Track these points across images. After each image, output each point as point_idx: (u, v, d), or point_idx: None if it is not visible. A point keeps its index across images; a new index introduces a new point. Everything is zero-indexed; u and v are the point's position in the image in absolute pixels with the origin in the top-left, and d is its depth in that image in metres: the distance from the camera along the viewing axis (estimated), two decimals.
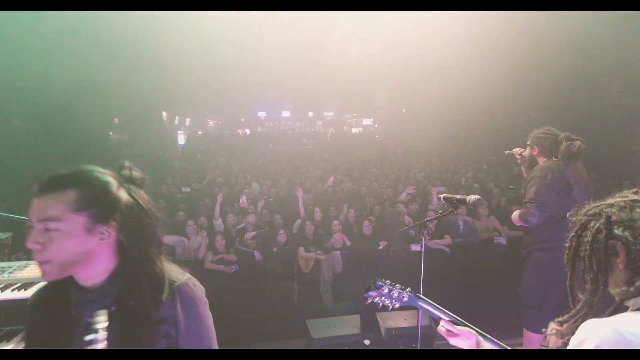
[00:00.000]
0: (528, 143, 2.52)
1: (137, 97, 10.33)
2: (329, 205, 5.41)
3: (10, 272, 1.69)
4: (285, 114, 17.14)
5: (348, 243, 4.53)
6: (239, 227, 4.58)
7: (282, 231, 4.52)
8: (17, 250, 2.69)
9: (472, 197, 2.05)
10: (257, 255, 4.37)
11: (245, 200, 4.94)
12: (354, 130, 17.14)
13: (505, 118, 8.98)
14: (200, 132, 14.96)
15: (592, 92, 6.27)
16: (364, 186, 6.55)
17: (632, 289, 0.80)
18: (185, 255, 4.34)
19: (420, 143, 10.85)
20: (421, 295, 1.16)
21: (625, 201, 0.84)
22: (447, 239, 4.73)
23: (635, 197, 0.85)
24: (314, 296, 4.50)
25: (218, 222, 4.82)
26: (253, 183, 7.06)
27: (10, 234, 2.06)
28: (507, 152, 2.81)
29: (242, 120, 16.72)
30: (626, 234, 0.80)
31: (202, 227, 4.53)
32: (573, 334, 0.82)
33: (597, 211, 0.87)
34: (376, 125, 17.23)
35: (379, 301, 1.17)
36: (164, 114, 13.52)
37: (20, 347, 1.43)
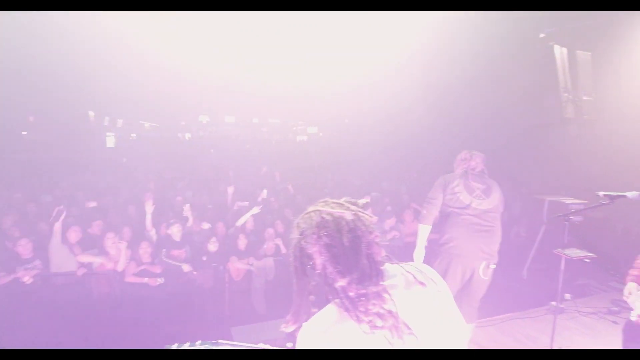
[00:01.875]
0: (454, 166, 2.96)
1: (58, 93, 9.33)
2: (266, 214, 5.40)
3: None
4: (229, 119, 16.69)
5: (284, 250, 4.56)
6: (163, 235, 4.33)
7: (214, 239, 4.40)
8: None
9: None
10: (186, 267, 4.17)
11: (188, 208, 4.69)
12: (299, 138, 17.29)
13: (435, 129, 9.74)
14: (134, 135, 13.94)
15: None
16: (303, 193, 6.66)
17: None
18: (102, 268, 4.01)
19: (359, 152, 11.32)
20: (220, 341, 1.34)
21: (308, 213, 1.00)
22: None
23: (317, 207, 1.00)
24: (245, 304, 4.45)
25: (151, 233, 4.50)
26: (187, 191, 6.78)
27: None
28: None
29: (183, 123, 15.91)
30: (304, 241, 0.95)
31: (123, 238, 4.22)
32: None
33: (295, 226, 1.01)
34: (321, 134, 17.58)
35: None
36: (90, 113, 12.36)
37: None
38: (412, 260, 2.65)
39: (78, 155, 9.02)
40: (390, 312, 0.88)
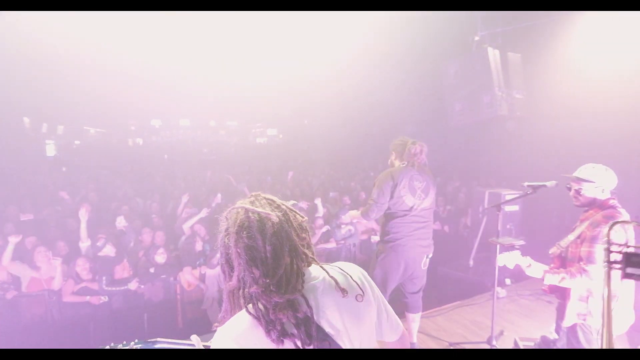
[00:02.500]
0: (389, 149, 2.95)
1: None
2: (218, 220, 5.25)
3: None
4: (184, 122, 16.08)
5: None
6: (99, 254, 4.02)
7: (161, 250, 4.20)
8: None
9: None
10: (133, 285, 3.92)
11: (122, 220, 4.41)
12: (259, 140, 17.10)
13: (389, 130, 10.06)
14: (78, 142, 12.96)
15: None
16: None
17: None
18: (33, 289, 3.67)
19: (318, 152, 11.41)
20: (157, 339, 1.34)
21: (235, 207, 0.96)
22: (332, 242, 5.07)
23: (244, 203, 0.97)
24: (199, 315, 4.30)
25: (86, 245, 4.18)
26: (137, 198, 6.43)
27: None
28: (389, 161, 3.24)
29: (133, 128, 15.08)
30: (226, 239, 0.93)
31: (59, 254, 3.90)
32: None
33: (222, 218, 0.97)
34: (281, 136, 17.50)
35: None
36: (25, 119, 11.31)
37: None
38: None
39: (13, 165, 8.22)
40: (303, 319, 0.85)
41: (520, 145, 6.27)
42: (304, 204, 5.82)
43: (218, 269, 4.29)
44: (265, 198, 0.97)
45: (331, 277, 0.95)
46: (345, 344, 0.90)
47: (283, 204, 0.97)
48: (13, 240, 3.62)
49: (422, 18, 5.63)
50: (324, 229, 5.14)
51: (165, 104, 14.50)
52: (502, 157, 6.70)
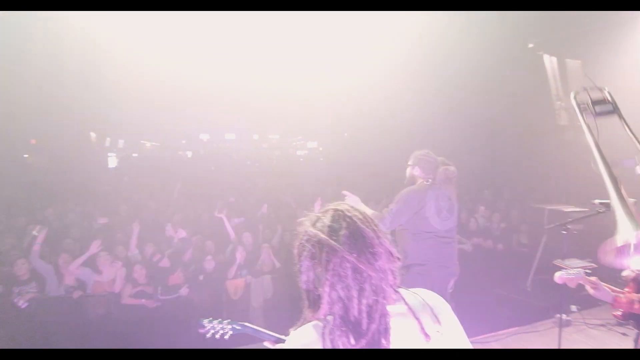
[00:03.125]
0: (409, 163, 2.78)
1: (59, 115, 9.48)
2: (264, 229, 5.37)
3: None
4: (230, 136, 16.85)
5: (277, 265, 4.51)
6: (155, 261, 4.29)
7: (209, 257, 4.36)
8: None
9: None
10: (184, 291, 4.11)
11: (170, 228, 4.69)
12: (299, 152, 17.39)
13: (432, 140, 9.74)
14: (135, 155, 14.08)
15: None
16: (303, 208, 6.62)
17: None
18: (97, 290, 3.97)
19: (360, 166, 11.31)
20: (246, 324, 1.49)
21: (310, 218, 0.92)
22: None
23: (323, 217, 0.91)
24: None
25: (133, 253, 4.48)
26: (187, 207, 6.78)
27: None
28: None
29: (183, 142, 16.09)
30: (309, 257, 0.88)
31: (118, 257, 4.20)
32: None
33: (305, 235, 0.91)
34: (321, 149, 17.65)
35: (212, 334, 1.47)
36: (92, 134, 12.54)
37: None
38: None
39: (81, 176, 9.09)
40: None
41: (581, 157, 5.76)
42: None
43: (261, 278, 4.37)
44: (354, 229, 0.88)
45: (416, 318, 0.88)
46: None
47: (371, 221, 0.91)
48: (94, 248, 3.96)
49: (470, 24, 5.47)
50: None
51: (212, 120, 15.36)
52: (562, 170, 6.18)
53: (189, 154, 15.97)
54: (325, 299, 0.84)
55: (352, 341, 0.81)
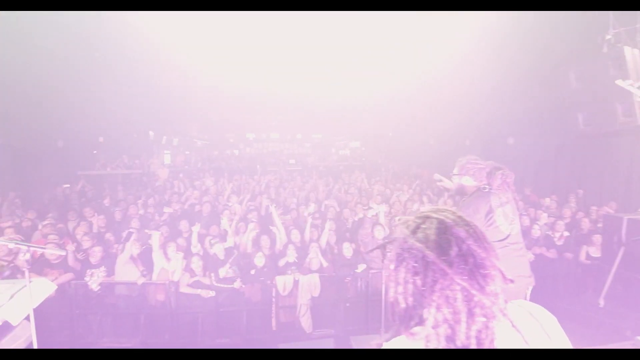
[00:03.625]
0: (455, 172, 2.62)
1: (123, 115, 10.33)
2: (311, 227, 5.41)
3: None
4: (274, 135, 17.28)
5: (325, 264, 4.51)
6: (212, 253, 4.49)
7: (260, 253, 4.48)
8: None
9: None
10: (237, 284, 4.27)
11: (226, 222, 4.89)
12: (342, 152, 17.34)
13: (485, 144, 9.25)
14: (187, 152, 14.94)
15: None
16: (347, 208, 6.58)
17: None
18: (161, 278, 4.24)
19: (405, 166, 11.04)
20: None
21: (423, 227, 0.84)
22: None
23: (433, 215, 0.85)
24: (292, 320, 4.43)
25: (197, 249, 4.72)
26: (232, 196, 7.03)
27: None
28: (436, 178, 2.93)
29: (231, 141, 16.77)
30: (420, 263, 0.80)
31: (180, 249, 4.46)
32: None
33: (405, 244, 0.84)
34: (364, 148, 17.48)
35: None
36: (151, 133, 13.50)
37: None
38: None
39: (141, 171, 9.81)
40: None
41: None
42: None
43: (309, 276, 4.39)
44: (457, 250, 0.81)
45: (518, 331, 0.81)
46: None
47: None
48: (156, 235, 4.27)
49: (535, 17, 5.07)
50: None
51: (258, 119, 15.87)
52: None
53: (236, 151, 16.61)
54: (430, 320, 0.77)
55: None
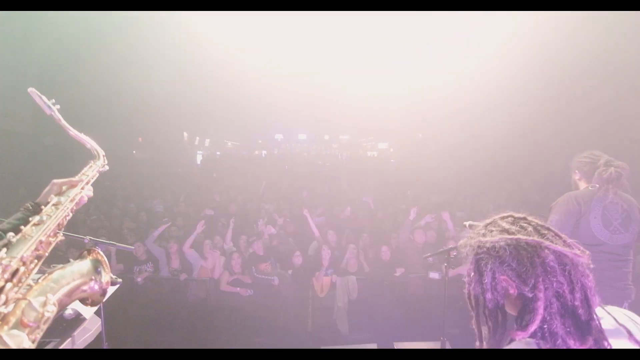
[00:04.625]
0: (572, 167, 2.48)
1: (161, 117, 10.77)
2: (344, 229, 5.38)
3: None
4: (302, 136, 17.46)
5: (366, 268, 4.45)
6: (250, 252, 4.56)
7: (298, 253, 4.49)
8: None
9: None
10: (276, 281, 4.32)
11: (262, 223, 4.98)
12: (369, 153, 17.23)
13: (524, 144, 8.84)
14: (218, 153, 15.37)
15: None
16: (381, 210, 6.50)
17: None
18: (202, 275, 4.35)
19: (437, 168, 10.74)
20: None
21: (508, 239, 0.83)
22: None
23: (512, 228, 0.85)
24: (328, 322, 4.40)
25: (228, 246, 4.82)
26: (267, 204, 7.12)
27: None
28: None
29: (260, 142, 17.11)
30: (514, 276, 0.81)
31: (216, 247, 4.56)
32: None
33: (486, 251, 0.85)
34: (392, 150, 17.27)
35: None
36: (185, 134, 14.00)
37: None
38: None
39: (176, 170, 10.18)
40: None
41: None
42: (428, 218, 5.49)
43: (347, 278, 4.35)
44: (542, 226, 0.84)
45: (621, 325, 0.80)
46: None
47: (566, 239, 0.83)
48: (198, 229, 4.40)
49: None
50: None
51: (286, 121, 16.07)
52: None
53: (264, 152, 16.90)
54: (540, 301, 0.76)
55: (577, 342, 0.73)
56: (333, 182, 10.18)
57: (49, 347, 1.54)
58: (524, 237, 0.81)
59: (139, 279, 4.39)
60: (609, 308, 0.84)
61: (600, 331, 0.76)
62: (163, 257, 4.52)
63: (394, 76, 11.23)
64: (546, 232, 0.83)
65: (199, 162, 14.50)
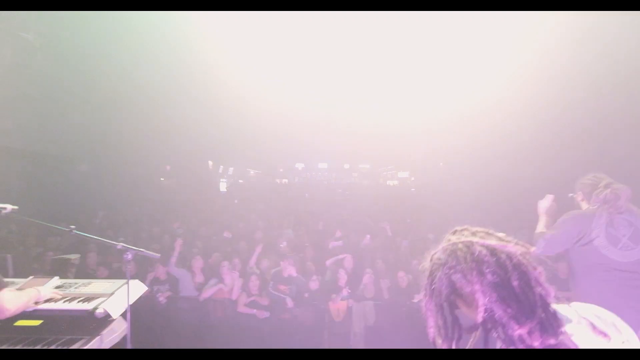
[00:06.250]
0: (575, 189, 2.52)
1: (188, 147, 11.37)
2: (361, 253, 5.37)
3: (76, 287, 1.91)
4: (322, 165, 17.74)
5: (386, 295, 4.39)
6: (273, 270, 4.64)
7: (314, 277, 4.51)
8: (84, 270, 2.95)
9: None
10: (290, 302, 4.33)
11: (286, 245, 5.10)
12: (390, 182, 17.19)
13: (548, 171, 8.64)
14: (241, 181, 15.85)
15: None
16: (400, 237, 6.43)
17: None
18: (219, 296, 4.43)
19: (459, 196, 10.57)
20: None
21: (448, 245, 0.91)
22: None
23: (452, 238, 0.92)
24: (345, 348, 4.31)
25: (252, 267, 4.92)
26: (288, 229, 7.22)
27: (79, 255, 2.35)
28: (570, 195, 2.78)
29: (281, 170, 17.51)
30: (458, 276, 0.86)
31: (234, 268, 4.66)
32: None
33: (436, 260, 0.91)
34: (413, 178, 17.17)
35: None
36: (209, 163, 14.61)
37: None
38: None
39: (201, 197, 10.57)
40: None
41: None
42: None
43: (363, 304, 4.30)
44: (479, 230, 0.93)
45: (583, 318, 0.83)
46: None
47: (502, 237, 0.91)
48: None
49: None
50: None
51: (306, 150, 16.47)
52: None
53: (285, 181, 17.23)
54: (478, 292, 0.82)
55: (521, 327, 0.77)
56: (352, 209, 10.21)
57: (78, 344, 1.67)
58: (458, 240, 0.90)
59: (162, 299, 4.53)
60: (575, 304, 0.87)
61: (554, 317, 0.79)
62: (184, 277, 4.67)
63: (414, 104, 11.42)
64: (480, 233, 0.91)
65: (222, 190, 14.96)
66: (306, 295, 4.42)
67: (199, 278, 4.62)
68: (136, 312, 4.45)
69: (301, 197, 13.84)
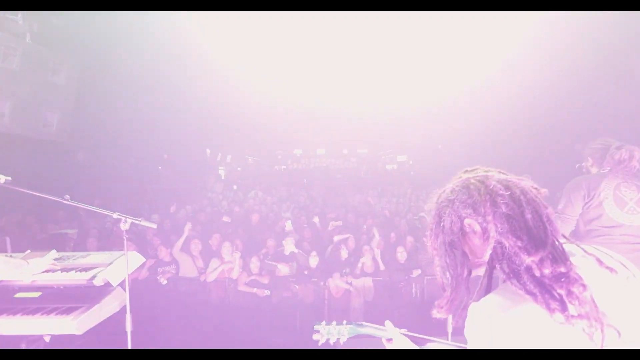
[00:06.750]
0: (584, 155, 2.49)
1: (185, 135, 11.30)
2: (361, 233, 5.42)
3: (74, 259, 1.93)
4: (320, 151, 17.64)
5: (382, 267, 4.45)
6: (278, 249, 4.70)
7: (314, 253, 4.56)
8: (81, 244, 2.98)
9: None
10: (282, 268, 4.38)
11: (290, 225, 5.16)
12: (388, 166, 17.15)
13: (546, 152, 8.65)
14: (239, 168, 15.82)
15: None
16: (398, 216, 6.49)
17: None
18: (220, 276, 4.49)
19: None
20: (363, 323, 1.36)
21: (460, 182, 0.90)
22: None
23: (464, 176, 0.91)
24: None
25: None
26: (287, 212, 7.27)
27: (76, 230, 2.37)
28: (577, 165, 2.75)
29: (279, 157, 17.43)
30: (469, 211, 0.85)
31: (236, 249, 4.70)
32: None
33: (444, 199, 0.90)
34: (411, 162, 17.13)
35: (326, 340, 1.36)
36: (208, 151, 14.56)
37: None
38: None
39: (200, 185, 10.57)
40: (591, 298, 0.74)
41: None
42: None
43: (362, 280, 4.36)
44: (496, 170, 0.91)
45: (590, 254, 0.83)
46: (627, 331, 0.75)
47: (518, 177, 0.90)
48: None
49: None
50: None
51: (305, 135, 16.38)
52: None
53: (283, 167, 17.20)
54: (491, 223, 0.82)
55: (531, 255, 0.76)
56: (351, 194, 10.25)
57: (77, 312, 1.70)
58: (472, 175, 0.89)
59: (163, 280, 4.58)
60: (582, 244, 0.87)
61: (562, 251, 0.79)
62: (185, 260, 4.72)
63: (412, 88, 11.32)
64: (493, 171, 0.91)
65: (222, 177, 14.96)
66: (306, 272, 4.48)
67: (199, 261, 4.66)
68: (136, 289, 4.50)
69: (300, 182, 13.88)
